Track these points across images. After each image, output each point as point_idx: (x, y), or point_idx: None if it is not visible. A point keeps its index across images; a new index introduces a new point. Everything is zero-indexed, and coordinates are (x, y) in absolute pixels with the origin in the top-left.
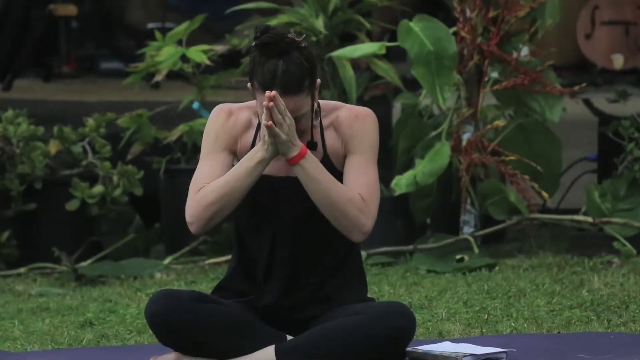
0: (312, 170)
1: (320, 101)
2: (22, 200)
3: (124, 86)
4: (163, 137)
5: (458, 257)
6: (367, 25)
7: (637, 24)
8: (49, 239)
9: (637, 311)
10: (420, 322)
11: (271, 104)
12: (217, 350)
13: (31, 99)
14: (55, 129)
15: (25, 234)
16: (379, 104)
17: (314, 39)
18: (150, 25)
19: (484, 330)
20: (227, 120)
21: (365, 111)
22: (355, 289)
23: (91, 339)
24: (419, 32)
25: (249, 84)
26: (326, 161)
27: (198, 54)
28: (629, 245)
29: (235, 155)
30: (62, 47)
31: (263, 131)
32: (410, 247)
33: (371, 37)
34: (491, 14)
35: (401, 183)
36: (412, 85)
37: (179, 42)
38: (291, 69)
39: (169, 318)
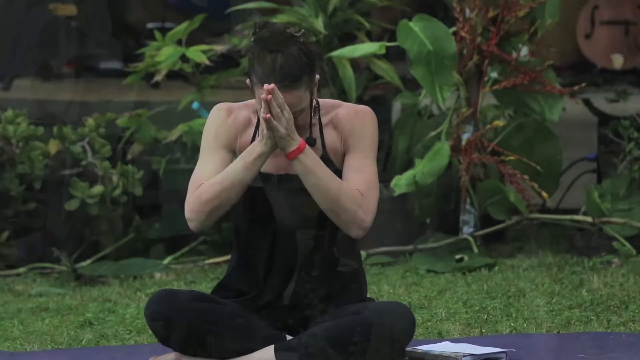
0: (310, 164)
1: (320, 99)
2: (21, 200)
3: (124, 86)
4: (163, 137)
5: (458, 257)
6: (367, 25)
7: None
8: (48, 239)
9: (637, 311)
10: (420, 322)
11: (269, 96)
12: (216, 350)
13: (31, 99)
14: (55, 129)
15: (25, 234)
16: (379, 103)
17: (314, 38)
18: (150, 26)
19: (483, 330)
20: (226, 118)
21: (365, 109)
22: (355, 289)
23: (91, 339)
24: (419, 32)
25: (248, 80)
26: (325, 159)
27: (198, 54)
28: (628, 245)
29: (234, 153)
30: (62, 47)
31: (262, 125)
32: (410, 247)
33: (371, 37)
34: (491, 13)
35: (401, 183)
36: (412, 85)
37: (179, 42)
38: (290, 63)
39: (168, 318)
